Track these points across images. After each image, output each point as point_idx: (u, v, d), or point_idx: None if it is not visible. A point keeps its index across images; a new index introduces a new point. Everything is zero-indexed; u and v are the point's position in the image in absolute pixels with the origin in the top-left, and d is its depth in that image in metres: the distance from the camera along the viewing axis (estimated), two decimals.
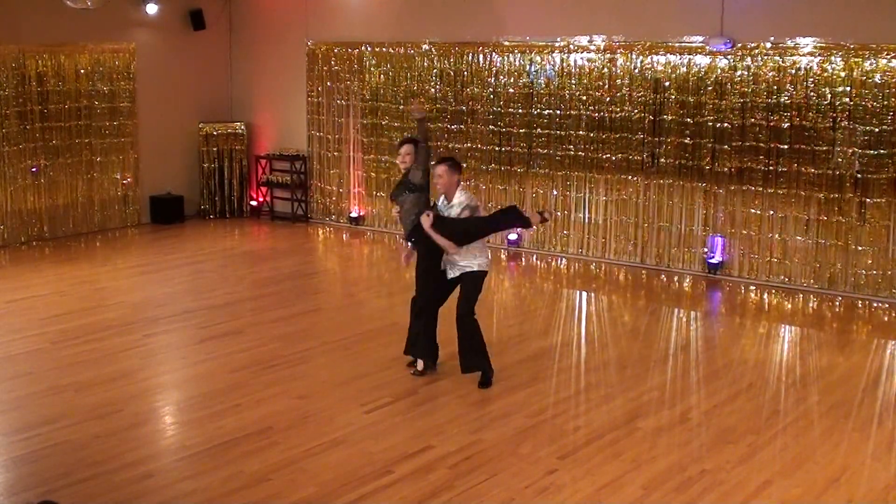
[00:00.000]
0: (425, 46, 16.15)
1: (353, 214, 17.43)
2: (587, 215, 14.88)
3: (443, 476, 7.30)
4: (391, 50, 16.57)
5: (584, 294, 13.39)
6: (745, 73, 13.40)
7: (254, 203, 18.52)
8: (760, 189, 13.46)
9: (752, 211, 13.53)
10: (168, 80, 17.59)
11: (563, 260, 14.95)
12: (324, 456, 7.68)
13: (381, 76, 16.80)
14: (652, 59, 14.10)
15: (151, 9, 16.87)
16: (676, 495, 7.07)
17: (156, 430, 8.48)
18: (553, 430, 8.28)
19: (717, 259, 13.85)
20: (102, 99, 16.64)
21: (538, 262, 14.98)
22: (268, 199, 18.46)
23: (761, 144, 13.37)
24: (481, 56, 15.63)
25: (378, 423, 8.38)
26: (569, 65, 14.82)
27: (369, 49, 16.81)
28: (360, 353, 10.34)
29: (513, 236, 15.56)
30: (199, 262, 14.77)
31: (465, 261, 9.33)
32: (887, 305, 12.58)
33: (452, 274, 9.46)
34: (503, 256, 15.32)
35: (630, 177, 14.33)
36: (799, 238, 13.31)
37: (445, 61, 16.03)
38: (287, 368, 9.79)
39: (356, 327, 11.34)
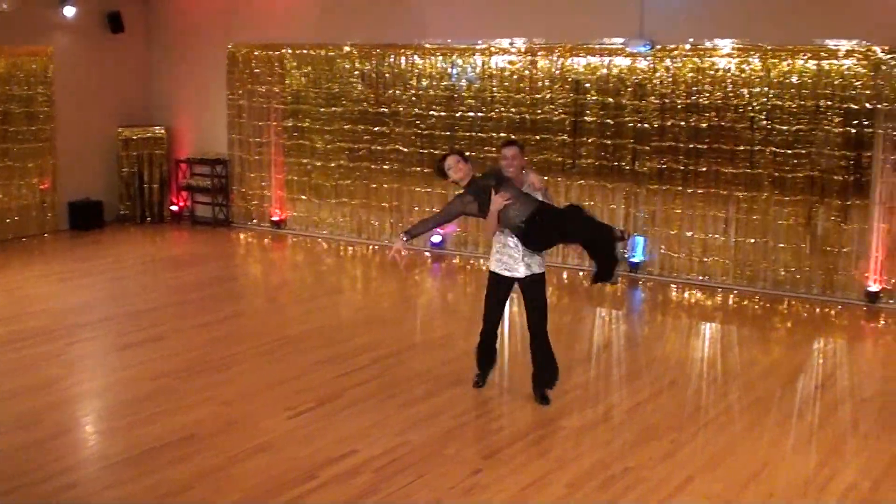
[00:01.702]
0: (347, 48, 16.12)
1: (275, 218, 17.33)
2: None
3: (368, 479, 7.28)
4: (312, 52, 16.51)
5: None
6: (665, 74, 13.55)
7: (174, 208, 18.34)
8: (680, 189, 13.62)
9: (673, 210, 13.69)
10: (86, 83, 17.34)
11: (485, 260, 14.97)
12: (248, 462, 7.63)
13: (303, 78, 16.74)
14: (572, 60, 14.20)
15: (69, 11, 16.64)
16: (600, 493, 7.12)
17: (78, 440, 8.37)
18: (478, 431, 8.31)
19: (638, 258, 13.98)
20: (19, 103, 16.35)
21: (461, 264, 15.02)
22: (188, 203, 18.30)
23: (681, 144, 13.54)
24: (403, 58, 15.63)
25: (303, 427, 8.33)
26: (490, 67, 14.88)
27: (290, 51, 16.74)
28: (283, 357, 10.28)
29: (436, 238, 15.57)
30: (120, 268, 14.60)
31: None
32: (805, 301, 12.80)
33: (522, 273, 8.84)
34: (427, 258, 15.34)
35: (551, 177, 14.39)
36: (719, 236, 13.50)
37: (367, 63, 16.01)
38: (210, 374, 9.71)
39: (279, 332, 11.28)
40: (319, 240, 16.64)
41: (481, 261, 14.98)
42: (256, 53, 17.14)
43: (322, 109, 16.55)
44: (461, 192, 8.74)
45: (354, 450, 7.82)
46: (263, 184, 17.46)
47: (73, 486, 7.24)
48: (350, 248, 16.13)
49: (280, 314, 12.43)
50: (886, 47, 12.20)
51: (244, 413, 8.67)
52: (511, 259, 8.67)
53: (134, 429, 8.29)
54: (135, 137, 17.88)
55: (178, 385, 9.37)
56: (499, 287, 8.88)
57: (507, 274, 8.74)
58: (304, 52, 16.61)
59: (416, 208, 15.78)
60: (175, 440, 8.02)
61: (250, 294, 13.87)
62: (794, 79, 12.77)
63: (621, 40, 13.67)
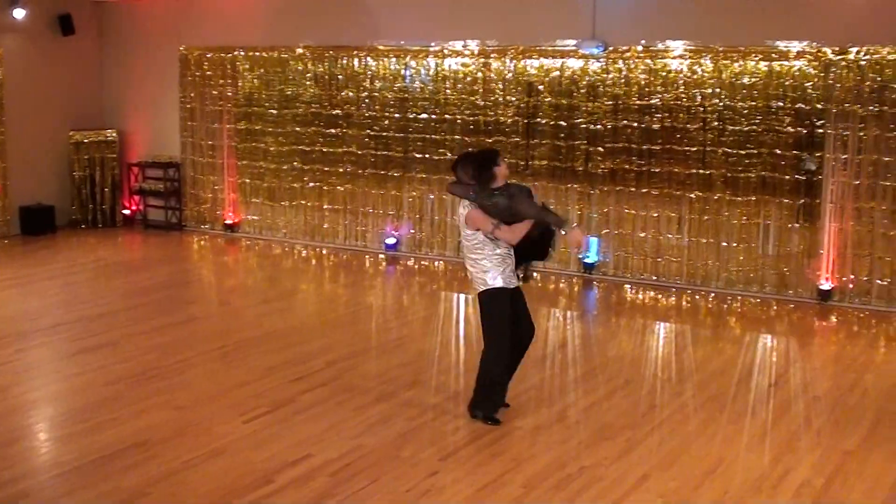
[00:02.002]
0: (299, 50, 16.06)
1: (229, 222, 17.24)
2: None
3: (324, 484, 7.26)
4: (265, 54, 16.44)
5: (463, 296, 13.43)
6: (617, 75, 13.61)
7: (127, 212, 18.21)
8: (633, 189, 13.69)
9: (626, 211, 13.76)
10: (37, 86, 17.17)
11: (440, 262, 15.01)
12: (203, 467, 7.57)
13: (255, 80, 16.67)
14: (525, 62, 14.24)
15: (18, 13, 16.45)
16: (556, 492, 7.13)
17: (30, 448, 8.26)
18: (433, 432, 8.29)
19: (592, 259, 14.04)
20: None
21: (415, 266, 15.01)
22: (141, 207, 18.17)
23: (634, 145, 13.61)
24: (356, 60, 15.60)
25: (257, 432, 8.29)
26: (443, 69, 14.88)
27: (242, 53, 16.66)
28: (237, 361, 10.22)
29: (391, 240, 15.56)
30: (72, 273, 14.47)
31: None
32: (758, 300, 12.91)
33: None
34: (382, 260, 15.33)
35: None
36: (672, 236, 13.58)
37: (320, 65, 15.97)
38: (164, 379, 9.63)
39: (233, 336, 11.22)
40: (273, 243, 16.58)
41: (436, 263, 14.99)
42: (208, 56, 17.05)
43: (275, 112, 16.50)
44: (507, 191, 8.23)
45: (310, 454, 7.79)
46: (216, 187, 17.37)
47: (25, 494, 7.16)
48: (304, 250, 16.09)
49: (234, 318, 12.36)
50: (836, 48, 12.32)
51: (198, 418, 8.61)
52: (510, 269, 8.41)
53: (87, 435, 8.21)
54: (86, 141, 17.73)
55: (132, 390, 9.30)
56: (506, 302, 8.43)
57: (510, 286, 8.41)
58: (257, 54, 16.54)
59: (371, 210, 15.77)
60: (129, 446, 7.95)
61: (204, 298, 13.79)
62: (746, 80, 12.87)
63: (574, 42, 13.71)
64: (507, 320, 8.40)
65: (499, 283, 8.30)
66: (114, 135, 17.97)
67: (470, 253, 8.35)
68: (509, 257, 8.35)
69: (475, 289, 8.46)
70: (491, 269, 8.28)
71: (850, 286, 12.67)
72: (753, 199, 13.02)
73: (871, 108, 12.25)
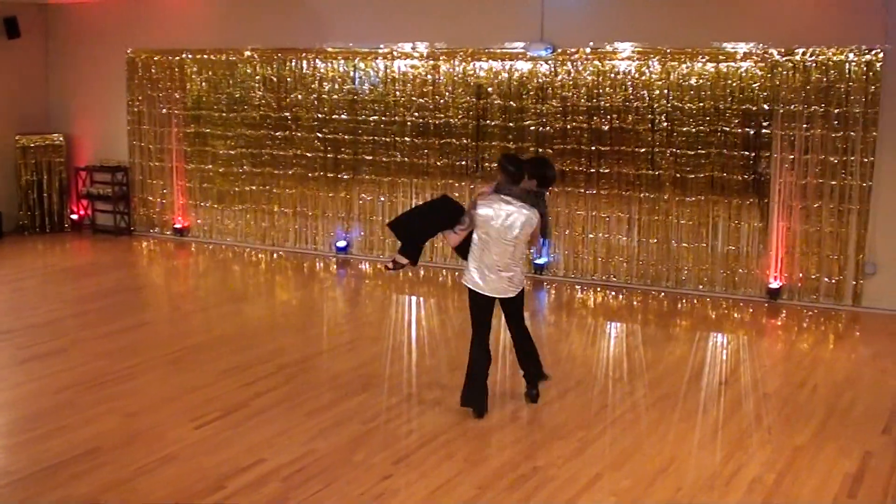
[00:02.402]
0: (247, 53, 15.99)
1: (178, 226, 17.13)
2: None
3: (276, 489, 7.22)
4: (213, 57, 16.35)
5: (413, 299, 13.45)
6: (566, 77, 13.67)
7: (75, 217, 18.05)
8: (583, 190, 13.75)
9: (576, 212, 13.81)
10: None
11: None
12: (155, 474, 7.51)
13: (203, 83, 16.57)
14: (474, 65, 14.26)
15: None
16: (510, 493, 7.14)
17: None
18: (386, 436, 8.28)
19: (542, 260, 14.08)
20: None
21: (366, 269, 14.99)
22: (89, 212, 18.02)
23: (583, 147, 13.67)
24: (305, 62, 15.55)
25: (209, 437, 8.23)
26: (393, 71, 14.88)
27: (190, 56, 16.56)
28: (188, 367, 10.15)
29: (342, 243, 15.53)
30: (19, 279, 14.31)
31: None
32: (708, 299, 13.01)
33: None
34: (333, 263, 15.29)
35: (455, 182, 14.46)
36: (622, 237, 13.65)
37: (268, 68, 15.91)
38: (114, 386, 9.54)
39: (183, 341, 11.14)
40: (223, 247, 16.49)
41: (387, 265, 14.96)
42: (156, 59, 16.93)
43: (224, 115, 16.41)
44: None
45: (262, 459, 7.75)
46: (165, 191, 17.26)
47: None
48: (254, 254, 16.02)
49: (184, 323, 12.27)
50: (782, 49, 12.45)
51: (149, 424, 8.54)
52: None
53: (37, 443, 8.12)
54: (33, 145, 17.54)
55: (82, 397, 9.20)
56: None
57: None
58: (205, 57, 16.44)
59: (321, 213, 15.73)
60: (79, 454, 7.87)
61: (154, 303, 13.68)
62: (694, 81, 12.97)
63: (522, 44, 13.75)
64: None
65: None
66: (61, 139, 17.80)
67: (517, 258, 8.59)
68: None
69: (513, 290, 8.67)
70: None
71: (799, 284, 12.81)
72: (702, 199, 13.13)
73: (816, 108, 12.38)
